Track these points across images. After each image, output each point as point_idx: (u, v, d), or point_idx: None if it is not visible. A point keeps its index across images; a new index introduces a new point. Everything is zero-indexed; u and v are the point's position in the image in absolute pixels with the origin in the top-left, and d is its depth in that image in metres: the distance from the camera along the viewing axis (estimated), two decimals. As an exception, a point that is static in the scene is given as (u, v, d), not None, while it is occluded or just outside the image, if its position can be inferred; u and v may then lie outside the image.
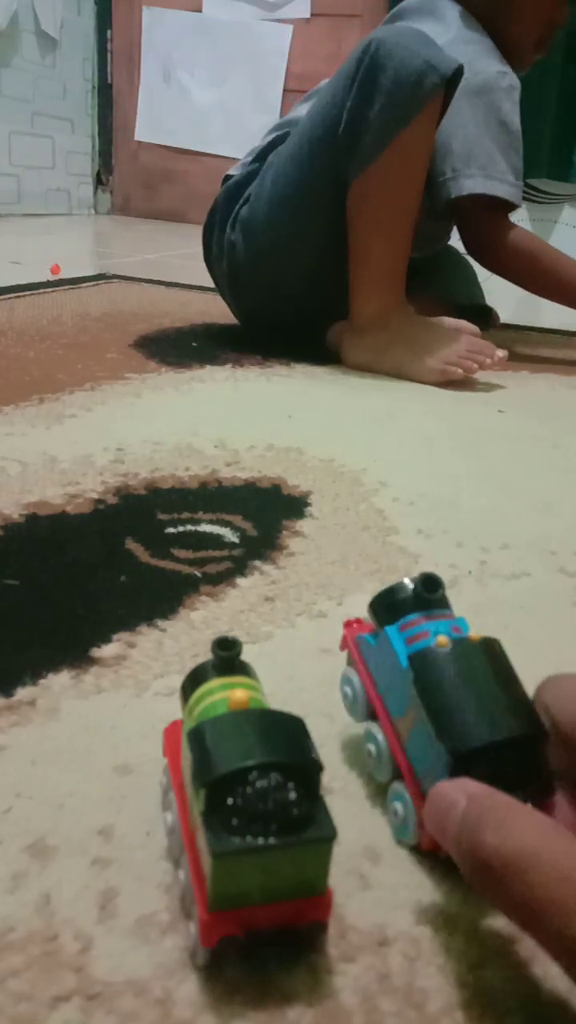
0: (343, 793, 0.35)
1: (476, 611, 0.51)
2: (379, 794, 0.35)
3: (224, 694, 0.29)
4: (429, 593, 0.34)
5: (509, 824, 0.23)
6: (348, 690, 0.37)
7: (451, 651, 0.31)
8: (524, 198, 1.24)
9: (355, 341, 1.12)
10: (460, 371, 1.04)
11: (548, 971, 0.27)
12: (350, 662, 0.37)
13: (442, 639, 0.32)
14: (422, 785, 0.31)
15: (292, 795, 0.25)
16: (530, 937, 0.23)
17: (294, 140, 1.09)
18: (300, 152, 1.07)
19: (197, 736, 0.27)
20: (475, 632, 0.33)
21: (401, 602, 0.34)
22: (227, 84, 3.16)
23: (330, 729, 0.38)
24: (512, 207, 1.18)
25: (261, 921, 0.26)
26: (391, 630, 0.33)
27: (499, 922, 0.29)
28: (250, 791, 0.25)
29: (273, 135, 1.17)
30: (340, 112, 1.01)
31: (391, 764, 0.33)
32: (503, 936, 0.29)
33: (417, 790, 0.31)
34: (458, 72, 0.98)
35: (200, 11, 3.13)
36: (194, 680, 0.31)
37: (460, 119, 1.10)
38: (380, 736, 0.34)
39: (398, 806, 0.32)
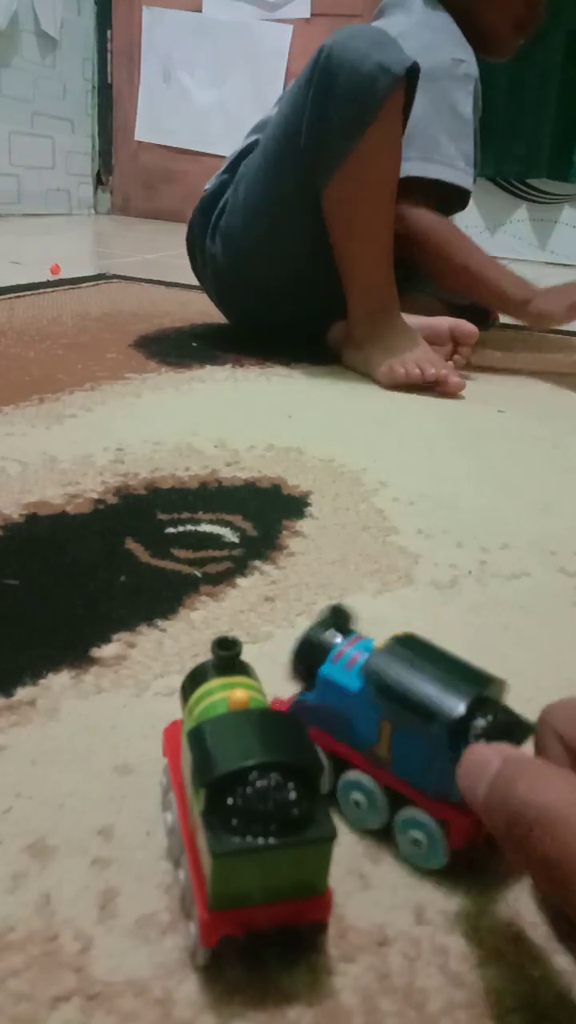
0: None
1: (476, 611, 0.51)
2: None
3: (224, 694, 0.29)
4: (347, 623, 0.35)
5: (543, 780, 0.24)
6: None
7: (391, 648, 0.32)
8: (524, 198, 1.22)
9: (348, 340, 1.12)
10: (403, 372, 1.02)
11: (548, 971, 0.27)
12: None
13: (378, 644, 0.32)
14: (426, 792, 0.30)
15: (292, 795, 0.25)
16: (553, 896, 0.23)
17: (261, 150, 1.09)
18: (267, 162, 1.07)
19: (197, 736, 0.27)
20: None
21: (320, 644, 0.34)
22: (227, 84, 3.16)
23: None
24: (464, 193, 1.16)
25: (261, 921, 0.26)
26: (324, 669, 0.33)
27: (499, 922, 0.29)
28: (250, 791, 0.25)
29: (248, 141, 1.16)
30: (300, 119, 0.99)
31: (385, 802, 0.32)
32: (503, 936, 0.29)
33: (425, 799, 0.30)
34: (413, 68, 0.96)
35: (200, 11, 3.13)
36: (194, 680, 0.31)
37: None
38: (364, 778, 0.32)
39: (417, 834, 0.30)
